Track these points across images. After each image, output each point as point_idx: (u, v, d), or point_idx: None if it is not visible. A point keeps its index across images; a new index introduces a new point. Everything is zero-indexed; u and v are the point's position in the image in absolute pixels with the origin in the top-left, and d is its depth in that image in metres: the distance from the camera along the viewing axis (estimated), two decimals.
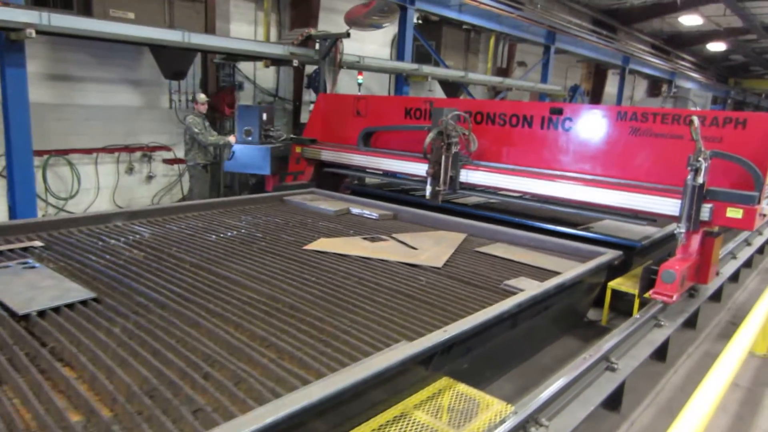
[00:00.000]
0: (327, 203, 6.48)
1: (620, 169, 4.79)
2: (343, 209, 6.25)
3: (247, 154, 7.06)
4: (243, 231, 5.15)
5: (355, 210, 6.28)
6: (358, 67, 9.36)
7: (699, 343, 4.80)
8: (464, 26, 12.64)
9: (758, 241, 7.73)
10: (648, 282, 4.01)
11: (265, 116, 6.97)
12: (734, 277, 6.66)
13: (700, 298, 4.87)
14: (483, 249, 4.96)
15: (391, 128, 6.35)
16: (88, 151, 8.01)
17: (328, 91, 8.54)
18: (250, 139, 6.95)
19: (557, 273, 4.30)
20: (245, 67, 9.94)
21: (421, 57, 12.30)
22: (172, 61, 7.78)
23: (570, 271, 4.08)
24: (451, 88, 13.08)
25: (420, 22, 12.71)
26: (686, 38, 25.17)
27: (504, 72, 15.16)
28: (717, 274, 4.94)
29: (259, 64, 9.62)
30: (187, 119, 7.49)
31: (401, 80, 10.76)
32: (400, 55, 10.64)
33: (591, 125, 5.00)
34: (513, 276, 4.23)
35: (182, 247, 4.48)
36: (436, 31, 12.24)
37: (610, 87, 22.45)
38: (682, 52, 26.41)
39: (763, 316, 4.07)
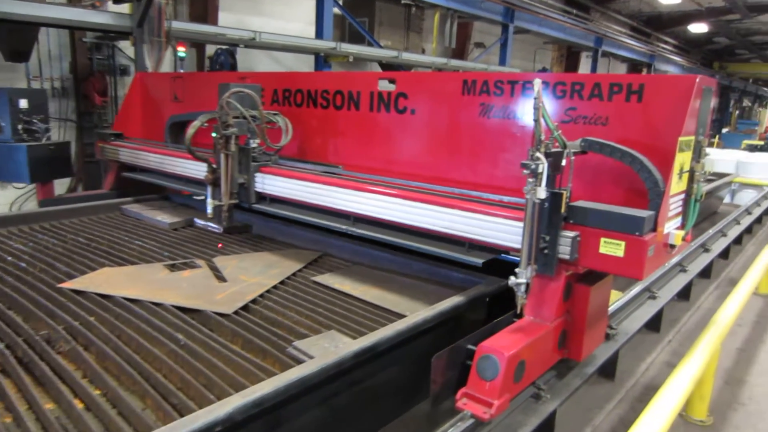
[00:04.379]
0: (169, 213, 5.13)
1: (468, 172, 3.26)
2: (183, 221, 4.91)
3: None
4: (8, 260, 3.79)
5: (201, 221, 4.93)
6: (256, 45, 7.95)
7: (615, 405, 3.48)
8: (403, 1, 11.21)
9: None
10: (459, 371, 2.38)
11: (24, 103, 5.23)
12: (685, 294, 5.35)
13: (617, 340, 3.56)
14: (322, 278, 3.62)
15: (182, 117, 4.82)
16: None
17: (150, 70, 6.86)
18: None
19: (402, 316, 3.00)
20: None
21: (356, 36, 10.90)
22: (8, 39, 6.34)
23: (398, 323, 2.72)
24: (395, 71, 11.67)
25: None
26: (667, 19, 23.87)
27: (458, 54, 13.76)
28: (607, 336, 3.36)
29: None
30: None
31: (321, 61, 9.35)
32: (318, 33, 9.23)
33: (430, 104, 3.46)
34: (325, 327, 2.90)
35: None
36: (369, 7, 10.80)
37: (584, 71, 21.09)
38: (662, 35, 25.09)
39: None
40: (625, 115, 2.59)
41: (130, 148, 5.21)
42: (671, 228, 2.42)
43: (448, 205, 2.81)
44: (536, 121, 2.15)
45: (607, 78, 2.61)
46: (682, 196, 2.51)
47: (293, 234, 4.54)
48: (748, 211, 8.81)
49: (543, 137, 2.18)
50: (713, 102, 2.64)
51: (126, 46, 8.33)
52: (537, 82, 2.12)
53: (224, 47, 8.81)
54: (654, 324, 4.50)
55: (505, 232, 2.58)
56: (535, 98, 2.12)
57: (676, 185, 2.38)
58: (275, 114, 4.13)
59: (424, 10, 12.05)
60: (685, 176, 2.46)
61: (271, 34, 8.02)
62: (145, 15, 6.53)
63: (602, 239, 2.27)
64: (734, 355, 4.26)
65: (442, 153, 3.38)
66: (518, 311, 2.41)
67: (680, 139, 2.31)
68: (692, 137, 2.46)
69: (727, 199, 11.04)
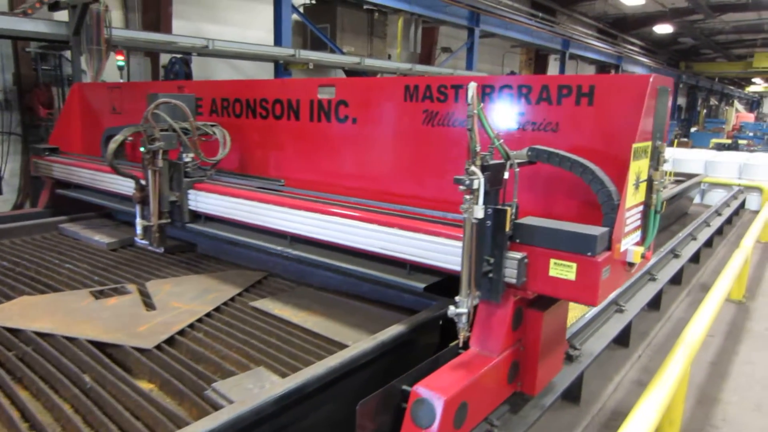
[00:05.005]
0: (108, 233, 4.76)
1: (415, 185, 2.96)
2: (122, 240, 4.56)
3: None
4: None
5: (141, 241, 4.57)
6: (209, 53, 7.61)
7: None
8: (365, 6, 10.96)
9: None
10: (394, 415, 2.07)
11: None
12: (655, 303, 5.16)
13: (581, 361, 3.32)
14: (262, 303, 3.31)
15: (119, 129, 4.45)
16: None
17: (90, 80, 6.44)
18: None
19: (343, 345, 2.72)
20: None
21: (318, 43, 10.62)
22: None
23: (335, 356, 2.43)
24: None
25: (313, 2, 11.02)
26: (632, 21, 24.17)
27: (425, 59, 13.58)
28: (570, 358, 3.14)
29: None
30: None
31: (280, 69, 9.05)
32: (276, 40, 8.93)
33: (372, 112, 3.13)
34: (255, 362, 2.60)
35: None
36: (330, 13, 10.52)
37: (553, 74, 21.14)
38: (629, 36, 25.39)
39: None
40: (576, 120, 2.33)
41: (63, 163, 4.83)
42: (629, 244, 2.17)
43: (385, 224, 2.52)
44: (470, 130, 1.87)
45: (555, 80, 2.35)
46: (641, 208, 2.27)
47: (239, 253, 4.21)
48: (717, 213, 8.74)
49: (479, 148, 1.91)
50: (670, 102, 2.40)
51: None
52: (471, 87, 1.85)
53: (178, 56, 8.46)
54: (622, 339, 4.28)
55: (448, 253, 2.30)
56: (468, 104, 1.85)
57: (633, 197, 2.13)
58: (213, 125, 3.80)
59: (388, 15, 11.82)
60: (643, 186, 2.22)
61: (225, 42, 7.69)
62: (81, 23, 6.10)
63: (552, 260, 1.99)
64: (706, 369, 4.06)
65: (386, 165, 3.07)
66: (461, 345, 2.13)
67: (635, 145, 2.06)
68: (649, 143, 2.23)
69: (696, 200, 11.01)
